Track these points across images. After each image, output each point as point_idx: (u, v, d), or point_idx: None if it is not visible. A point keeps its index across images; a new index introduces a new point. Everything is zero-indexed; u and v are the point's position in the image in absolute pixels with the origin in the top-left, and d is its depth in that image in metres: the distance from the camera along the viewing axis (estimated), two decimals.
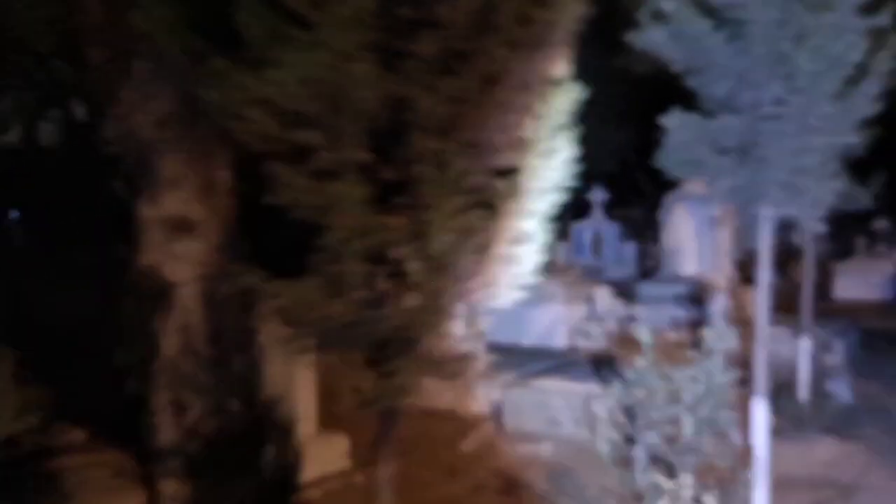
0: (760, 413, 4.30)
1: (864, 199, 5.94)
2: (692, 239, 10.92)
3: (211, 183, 4.29)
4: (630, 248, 12.43)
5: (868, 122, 4.33)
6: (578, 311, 9.96)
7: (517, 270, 3.79)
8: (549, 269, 12.62)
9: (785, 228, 15.17)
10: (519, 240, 3.74)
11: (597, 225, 12.52)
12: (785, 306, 13.62)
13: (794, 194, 3.84)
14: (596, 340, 9.51)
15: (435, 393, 6.92)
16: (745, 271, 15.57)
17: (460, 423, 6.51)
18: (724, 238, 10.81)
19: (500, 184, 3.52)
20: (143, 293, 4.33)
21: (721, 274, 10.48)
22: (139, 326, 4.41)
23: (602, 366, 7.81)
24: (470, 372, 6.89)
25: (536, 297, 10.43)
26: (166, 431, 4.50)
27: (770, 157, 3.76)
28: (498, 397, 6.50)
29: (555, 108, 3.67)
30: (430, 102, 3.03)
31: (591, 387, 6.47)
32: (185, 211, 4.30)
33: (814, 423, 6.02)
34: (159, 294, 4.29)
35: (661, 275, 10.97)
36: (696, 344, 8.79)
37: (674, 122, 3.92)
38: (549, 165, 3.75)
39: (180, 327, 4.43)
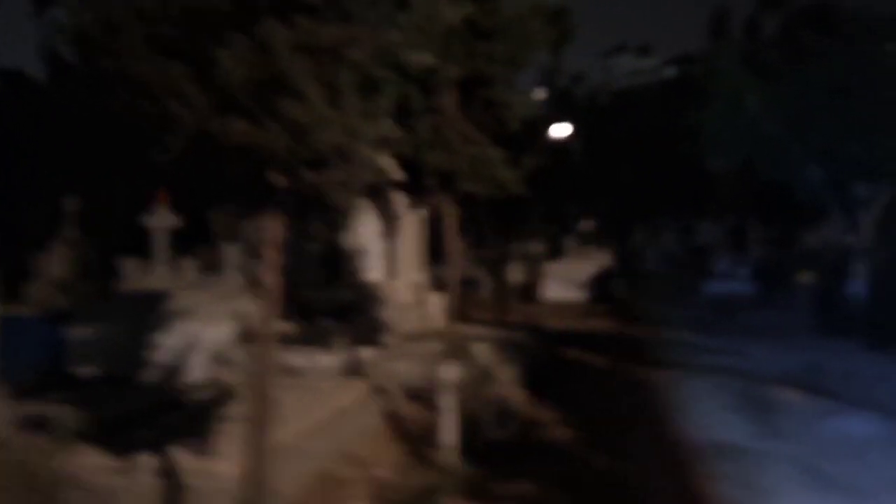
0: None
1: (515, 185, 4.51)
2: (377, 240, 9.34)
3: None
4: (312, 250, 10.58)
5: None
6: (225, 331, 7.83)
7: None
8: (199, 275, 10.13)
9: (501, 227, 14.41)
10: None
11: None
12: (498, 307, 12.84)
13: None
14: (241, 371, 7.44)
15: None
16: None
17: None
18: (412, 240, 9.38)
19: None
20: None
21: (402, 281, 9.01)
22: None
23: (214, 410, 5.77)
24: None
25: (167, 313, 8.22)
26: None
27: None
28: None
29: None
30: None
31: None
32: None
33: (449, 487, 4.47)
34: None
35: (339, 281, 9.24)
36: (354, 370, 7.13)
37: None
38: None
39: None
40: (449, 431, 4.90)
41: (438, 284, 9.48)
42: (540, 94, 20.75)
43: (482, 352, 6.39)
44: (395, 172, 4.20)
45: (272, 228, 2.43)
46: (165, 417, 5.51)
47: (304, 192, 2.37)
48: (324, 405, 5.48)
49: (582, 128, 21.67)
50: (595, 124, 23.75)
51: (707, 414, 6.73)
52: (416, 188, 4.60)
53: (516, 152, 4.87)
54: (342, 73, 2.21)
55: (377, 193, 7.17)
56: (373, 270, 9.27)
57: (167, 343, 7.46)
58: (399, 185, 4.59)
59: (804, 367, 8.62)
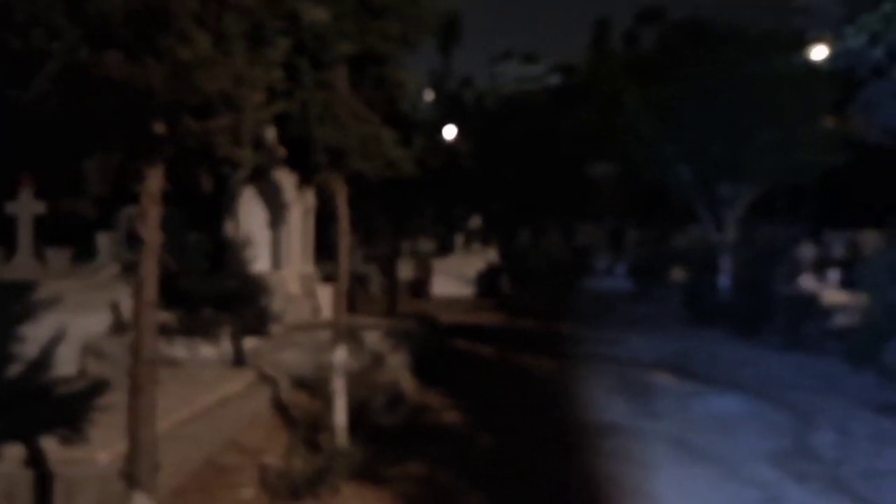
0: None
1: (406, 164, 4.49)
2: (264, 230, 9.07)
3: None
4: (196, 239, 10.12)
5: None
6: (98, 321, 7.37)
7: None
8: (70, 264, 9.49)
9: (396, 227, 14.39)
10: None
11: None
12: (388, 302, 12.79)
13: None
14: (115, 363, 7.01)
15: None
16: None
17: None
18: (300, 230, 9.18)
19: None
20: None
21: (291, 271, 8.80)
22: None
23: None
24: None
25: (32, 303, 7.63)
26: None
27: None
28: None
29: None
30: None
31: None
32: None
33: (341, 469, 4.39)
34: None
35: (225, 271, 8.89)
36: (238, 360, 6.89)
37: None
38: None
39: None
40: (339, 415, 4.82)
41: (328, 278, 9.33)
42: (430, 95, 20.90)
43: (373, 340, 6.34)
44: (279, 148, 4.08)
45: (152, 180, 2.29)
46: (31, 410, 5.11)
47: (187, 143, 2.24)
48: (207, 394, 5.25)
49: (470, 131, 22.07)
50: (483, 128, 24.26)
51: (589, 397, 7.00)
52: (303, 167, 4.48)
53: (407, 132, 4.87)
54: (230, 19, 2.12)
55: (263, 173, 6.95)
56: (260, 260, 9.00)
57: (31, 335, 6.91)
58: (285, 163, 4.45)
59: (676, 353, 9.15)
